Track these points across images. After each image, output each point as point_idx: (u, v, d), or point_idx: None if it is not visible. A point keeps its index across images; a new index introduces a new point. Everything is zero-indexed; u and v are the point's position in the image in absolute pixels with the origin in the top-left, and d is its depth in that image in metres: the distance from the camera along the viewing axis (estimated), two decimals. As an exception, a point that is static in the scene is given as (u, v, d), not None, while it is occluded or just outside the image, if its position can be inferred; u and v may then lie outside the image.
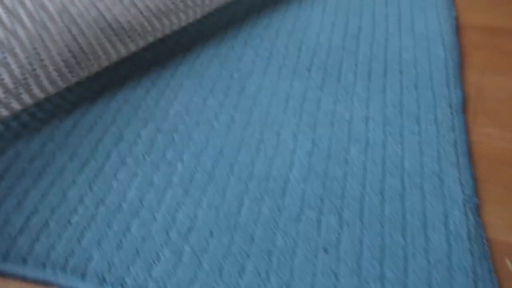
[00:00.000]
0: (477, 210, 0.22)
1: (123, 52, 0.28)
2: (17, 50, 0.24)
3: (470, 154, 0.25)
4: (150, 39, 0.29)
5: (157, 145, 0.25)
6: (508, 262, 0.20)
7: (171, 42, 0.32)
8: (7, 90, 0.24)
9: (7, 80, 0.24)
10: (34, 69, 0.25)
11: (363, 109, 0.27)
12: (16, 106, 0.25)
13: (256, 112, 0.27)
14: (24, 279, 0.20)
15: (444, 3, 0.35)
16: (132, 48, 0.28)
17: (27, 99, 0.25)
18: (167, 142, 0.25)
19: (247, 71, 0.29)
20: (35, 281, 0.20)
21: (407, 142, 0.25)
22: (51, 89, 0.26)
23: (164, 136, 0.25)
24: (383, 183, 0.23)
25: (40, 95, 0.26)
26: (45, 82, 0.25)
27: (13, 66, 0.24)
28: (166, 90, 0.28)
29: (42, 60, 0.25)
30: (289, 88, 0.28)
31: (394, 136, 0.25)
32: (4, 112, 0.25)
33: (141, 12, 0.27)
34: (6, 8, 0.25)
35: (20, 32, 0.25)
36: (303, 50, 0.31)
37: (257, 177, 0.23)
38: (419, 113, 0.26)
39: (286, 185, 0.23)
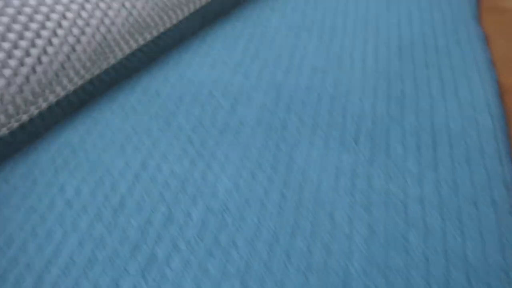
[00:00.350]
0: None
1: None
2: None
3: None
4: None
5: (209, 228, 0.24)
6: None
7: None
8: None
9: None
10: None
11: (416, 189, 0.26)
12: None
13: (307, 190, 0.26)
14: None
15: (484, 64, 0.35)
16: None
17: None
18: (219, 223, 0.25)
19: (293, 141, 0.29)
20: None
21: (467, 228, 0.24)
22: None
23: (215, 217, 0.25)
24: (447, 278, 0.22)
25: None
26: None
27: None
28: (213, 161, 0.28)
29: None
30: (338, 162, 0.28)
31: (453, 221, 0.24)
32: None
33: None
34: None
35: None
36: (348, 118, 0.31)
37: (316, 268, 0.22)
38: (475, 194, 0.26)
39: (347, 279, 0.22)
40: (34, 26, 0.29)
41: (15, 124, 0.28)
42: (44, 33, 0.29)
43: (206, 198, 0.26)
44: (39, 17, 0.30)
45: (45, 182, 0.26)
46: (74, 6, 0.31)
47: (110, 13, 0.32)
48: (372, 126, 0.30)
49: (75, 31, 0.30)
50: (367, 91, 0.32)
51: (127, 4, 0.33)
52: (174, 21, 0.36)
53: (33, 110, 0.29)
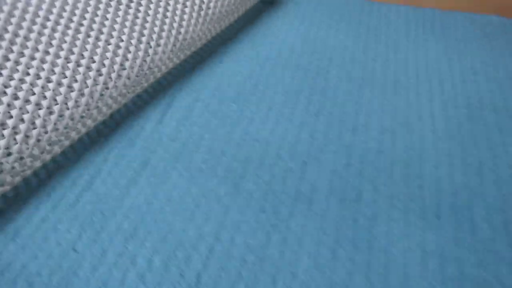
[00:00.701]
0: None
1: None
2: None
3: None
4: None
5: (293, 315, 0.23)
6: None
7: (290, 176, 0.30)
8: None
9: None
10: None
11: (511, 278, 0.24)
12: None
13: (393, 273, 0.25)
14: None
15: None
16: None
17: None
18: (303, 311, 0.23)
19: (371, 214, 0.27)
20: None
21: None
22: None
23: (298, 303, 0.23)
24: None
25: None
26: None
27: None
28: (289, 234, 0.26)
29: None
30: (422, 242, 0.26)
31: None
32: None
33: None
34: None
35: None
36: (425, 188, 0.29)
37: None
38: None
39: None
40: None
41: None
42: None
43: (286, 278, 0.24)
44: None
45: (116, 252, 0.25)
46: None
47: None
48: (452, 199, 0.28)
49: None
50: (441, 157, 0.31)
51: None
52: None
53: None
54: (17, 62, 0.30)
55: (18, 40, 0.31)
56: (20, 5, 0.33)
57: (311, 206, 0.28)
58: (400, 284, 0.24)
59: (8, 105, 0.27)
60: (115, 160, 0.30)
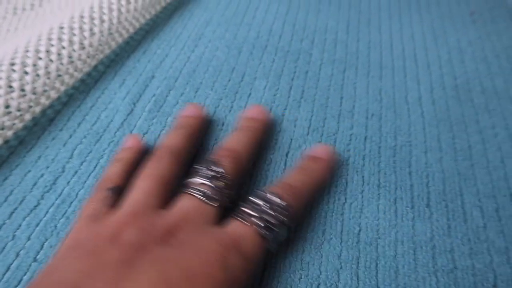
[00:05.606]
0: None
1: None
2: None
3: None
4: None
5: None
6: None
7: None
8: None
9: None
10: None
11: (505, 267, 0.23)
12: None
13: (381, 267, 0.23)
14: None
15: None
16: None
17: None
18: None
19: (359, 205, 0.26)
20: None
21: None
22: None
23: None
24: None
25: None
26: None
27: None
28: (271, 232, 0.24)
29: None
30: (412, 232, 0.25)
31: (553, 310, 0.22)
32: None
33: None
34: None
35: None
36: (414, 176, 0.28)
37: None
38: None
39: None
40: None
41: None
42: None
43: (270, 277, 0.23)
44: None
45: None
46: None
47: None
48: (442, 186, 0.27)
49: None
50: (430, 142, 0.30)
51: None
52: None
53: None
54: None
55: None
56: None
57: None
58: (389, 278, 0.23)
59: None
60: (81, 157, 0.28)
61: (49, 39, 0.30)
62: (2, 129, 0.27)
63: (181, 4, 0.42)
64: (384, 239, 0.24)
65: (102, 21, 0.33)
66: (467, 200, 0.26)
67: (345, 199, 0.26)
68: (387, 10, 0.42)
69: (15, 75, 0.27)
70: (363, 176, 0.27)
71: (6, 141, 0.28)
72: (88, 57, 0.32)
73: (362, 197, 0.26)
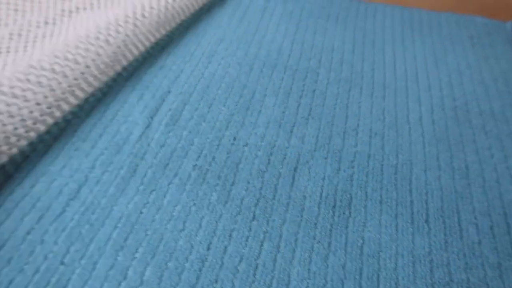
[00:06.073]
0: None
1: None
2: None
3: None
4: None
5: (287, 325, 0.23)
6: None
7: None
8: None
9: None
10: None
11: (498, 281, 0.25)
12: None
13: (383, 278, 0.25)
14: None
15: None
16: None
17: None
18: (297, 320, 0.23)
19: (362, 219, 0.28)
20: None
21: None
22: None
23: (292, 312, 0.23)
24: None
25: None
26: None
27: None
28: (281, 243, 0.26)
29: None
30: (412, 247, 0.27)
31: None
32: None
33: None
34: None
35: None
36: (414, 193, 0.29)
37: None
38: (558, 290, 0.25)
39: None
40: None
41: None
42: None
43: (279, 286, 0.24)
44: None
45: (106, 265, 0.24)
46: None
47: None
48: (440, 203, 0.29)
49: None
50: (430, 161, 0.31)
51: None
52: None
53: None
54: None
55: None
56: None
57: (303, 213, 0.28)
58: (391, 290, 0.24)
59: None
60: (102, 167, 0.29)
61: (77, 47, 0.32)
62: (16, 139, 0.29)
63: (194, 22, 0.44)
64: (386, 252, 0.26)
65: (118, 32, 0.35)
66: (464, 217, 0.28)
67: (349, 213, 0.28)
68: (390, 32, 0.44)
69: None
70: (366, 192, 0.29)
71: (33, 148, 0.30)
72: (106, 66, 0.34)
73: (365, 212, 0.28)
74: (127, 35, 0.36)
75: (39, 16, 0.42)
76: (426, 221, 0.28)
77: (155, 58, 0.39)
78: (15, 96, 0.28)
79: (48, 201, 0.27)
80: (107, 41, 0.34)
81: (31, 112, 0.29)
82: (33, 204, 0.27)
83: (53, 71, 0.31)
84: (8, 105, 0.28)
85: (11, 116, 0.28)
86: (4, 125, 0.27)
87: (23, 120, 0.28)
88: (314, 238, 0.27)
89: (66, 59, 0.32)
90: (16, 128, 0.28)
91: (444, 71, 0.40)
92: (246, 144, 0.32)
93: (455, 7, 0.52)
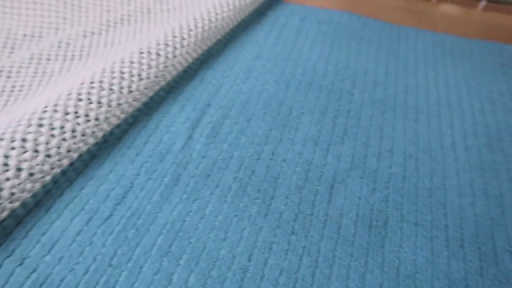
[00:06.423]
0: None
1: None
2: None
3: None
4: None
5: None
6: None
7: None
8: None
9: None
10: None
11: (534, 310, 0.25)
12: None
13: (420, 301, 0.26)
14: None
15: None
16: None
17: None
18: (336, 335, 0.24)
19: (398, 240, 0.28)
20: None
21: None
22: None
23: (331, 327, 0.24)
24: None
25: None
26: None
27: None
28: (320, 258, 0.27)
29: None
30: (447, 270, 0.27)
31: None
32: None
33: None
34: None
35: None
36: (449, 216, 0.30)
37: None
38: None
39: None
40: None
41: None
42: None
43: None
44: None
45: (152, 269, 0.25)
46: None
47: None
48: (475, 229, 0.29)
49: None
50: (463, 187, 0.32)
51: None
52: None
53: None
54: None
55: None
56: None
57: (340, 230, 0.29)
58: (427, 312, 0.25)
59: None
60: (147, 174, 0.31)
61: (112, 72, 0.33)
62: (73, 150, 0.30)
63: (233, 38, 0.45)
64: (422, 274, 0.27)
65: (158, 55, 0.36)
66: (498, 244, 0.29)
67: (385, 233, 0.29)
68: (423, 57, 0.45)
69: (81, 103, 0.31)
70: (401, 213, 0.30)
71: (80, 155, 0.31)
72: (146, 88, 0.35)
73: (401, 233, 0.29)
74: (174, 52, 0.37)
75: (86, 26, 0.44)
76: (461, 246, 0.28)
77: (195, 71, 0.40)
78: (67, 112, 0.30)
79: (96, 204, 0.28)
80: (157, 57, 0.36)
81: (83, 128, 0.30)
82: (82, 207, 0.28)
83: (103, 87, 0.32)
84: (67, 121, 0.29)
85: (72, 131, 0.29)
86: (64, 140, 0.29)
87: (73, 137, 0.30)
88: (352, 256, 0.27)
89: (121, 72, 0.33)
90: (75, 143, 0.30)
91: (476, 98, 0.41)
92: (284, 160, 0.33)
93: (485, 33, 0.53)
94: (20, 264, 0.25)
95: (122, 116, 0.33)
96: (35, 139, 0.27)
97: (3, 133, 0.27)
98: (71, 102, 0.30)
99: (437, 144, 0.36)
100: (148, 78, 0.34)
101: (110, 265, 0.25)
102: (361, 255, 0.27)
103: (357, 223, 0.29)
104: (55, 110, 0.29)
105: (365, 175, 0.32)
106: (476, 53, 0.47)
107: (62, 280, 0.24)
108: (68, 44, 0.42)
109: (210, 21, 0.41)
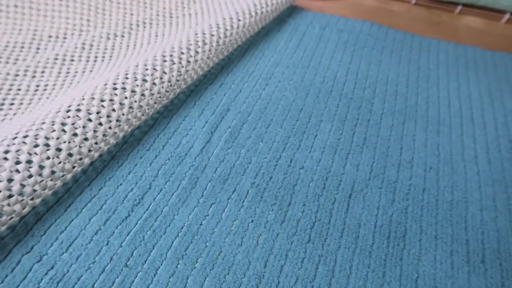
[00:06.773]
0: None
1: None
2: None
3: None
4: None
5: None
6: None
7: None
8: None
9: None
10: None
11: (559, 332, 0.25)
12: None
13: (439, 317, 0.25)
14: None
15: None
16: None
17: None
18: None
19: (417, 253, 0.28)
20: None
21: None
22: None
23: None
24: None
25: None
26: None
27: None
28: (336, 267, 0.27)
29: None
30: (467, 285, 0.26)
31: None
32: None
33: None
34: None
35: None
36: (470, 231, 0.29)
37: None
38: None
39: None
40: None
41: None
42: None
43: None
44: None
45: (168, 271, 0.25)
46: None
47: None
48: (497, 245, 0.29)
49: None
50: (485, 201, 0.31)
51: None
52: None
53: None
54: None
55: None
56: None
57: (357, 240, 0.28)
58: (447, 329, 0.24)
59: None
60: (165, 177, 0.31)
61: (135, 77, 0.34)
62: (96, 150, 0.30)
63: (252, 45, 0.45)
64: (441, 288, 0.26)
65: (180, 59, 0.37)
66: (521, 261, 0.28)
67: (404, 245, 0.28)
68: (445, 68, 0.45)
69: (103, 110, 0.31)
70: (421, 226, 0.29)
71: (100, 155, 0.32)
72: (167, 91, 0.35)
73: (420, 245, 0.28)
74: (196, 57, 0.37)
75: (109, 29, 0.45)
76: (482, 261, 0.28)
77: (215, 76, 0.41)
78: (90, 113, 0.30)
79: (114, 204, 0.29)
80: (179, 61, 0.36)
81: (105, 128, 0.30)
82: (101, 206, 0.28)
83: (126, 88, 0.32)
84: (89, 121, 0.30)
85: (94, 131, 0.30)
86: (86, 139, 0.29)
87: (95, 137, 0.30)
88: (369, 267, 0.27)
89: (143, 75, 0.34)
90: (96, 143, 0.30)
91: (499, 111, 0.40)
92: (302, 167, 0.32)
93: (507, 46, 0.52)
94: (39, 261, 0.25)
95: (143, 118, 0.34)
96: (58, 138, 0.28)
97: (27, 131, 0.28)
98: (94, 103, 0.30)
99: (459, 156, 0.35)
100: (169, 81, 0.35)
101: (126, 266, 0.25)
102: (379, 266, 0.27)
103: (375, 233, 0.29)
104: (78, 110, 0.29)
105: (384, 186, 0.32)
106: (500, 66, 0.46)
107: (78, 279, 0.25)
108: (91, 45, 0.43)
109: (231, 27, 0.42)
